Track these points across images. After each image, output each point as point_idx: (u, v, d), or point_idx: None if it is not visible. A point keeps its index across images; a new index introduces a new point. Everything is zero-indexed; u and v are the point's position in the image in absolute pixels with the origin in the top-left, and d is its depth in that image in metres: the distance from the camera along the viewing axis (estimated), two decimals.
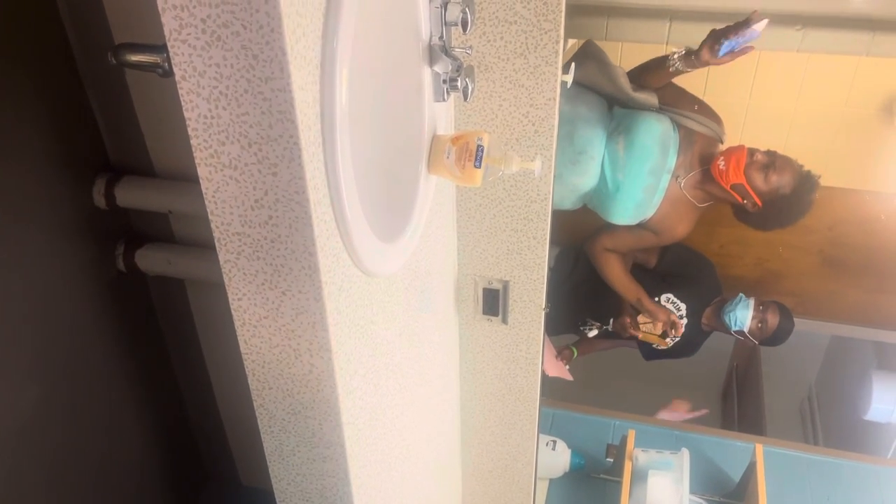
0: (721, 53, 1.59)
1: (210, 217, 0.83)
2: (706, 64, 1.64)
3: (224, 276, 0.87)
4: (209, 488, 2.92)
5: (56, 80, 1.95)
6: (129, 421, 2.42)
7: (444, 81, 1.05)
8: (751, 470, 2.00)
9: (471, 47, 1.20)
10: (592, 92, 1.86)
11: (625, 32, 1.95)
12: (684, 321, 2.04)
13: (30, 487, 2.05)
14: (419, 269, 1.22)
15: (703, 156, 1.84)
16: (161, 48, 0.78)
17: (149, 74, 0.95)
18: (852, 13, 1.79)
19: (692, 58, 1.65)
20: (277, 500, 1.11)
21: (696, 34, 1.65)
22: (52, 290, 2.02)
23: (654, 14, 1.91)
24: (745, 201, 1.81)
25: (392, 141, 1.00)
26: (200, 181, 0.80)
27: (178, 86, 0.74)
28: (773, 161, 1.77)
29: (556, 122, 1.27)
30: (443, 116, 1.15)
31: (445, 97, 1.07)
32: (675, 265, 2.09)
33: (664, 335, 2.02)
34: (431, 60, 1.04)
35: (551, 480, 2.14)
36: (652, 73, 1.78)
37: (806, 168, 1.79)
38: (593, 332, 2.12)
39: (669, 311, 2.01)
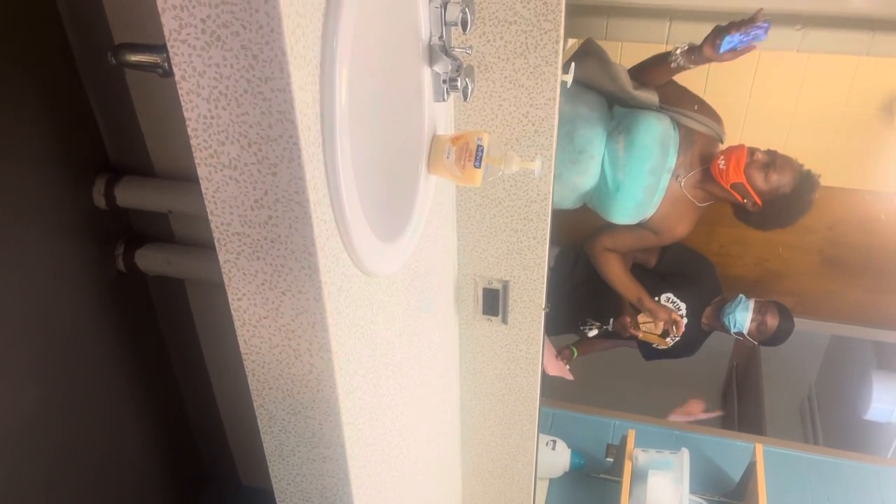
0: (722, 49, 1.58)
1: (210, 217, 0.83)
2: (708, 60, 1.63)
3: (224, 276, 0.87)
4: (209, 488, 2.92)
5: (56, 80, 1.95)
6: (129, 421, 2.42)
7: (444, 81, 1.05)
8: (751, 470, 2.00)
9: (471, 47, 1.20)
10: (593, 91, 1.86)
11: (625, 32, 1.95)
12: (684, 321, 2.04)
13: (30, 487, 2.05)
14: (419, 269, 1.22)
15: (703, 155, 1.84)
16: (161, 48, 0.78)
17: (149, 74, 0.95)
18: (852, 13, 1.79)
19: (694, 54, 1.64)
20: (277, 500, 1.11)
21: (696, 34, 1.65)
22: (52, 290, 2.02)
23: (654, 14, 1.91)
24: (745, 200, 1.81)
25: (392, 141, 1.00)
26: (200, 181, 0.80)
27: (178, 86, 0.74)
28: (773, 160, 1.77)
29: (555, 122, 1.27)
30: (443, 116, 1.15)
31: (445, 97, 1.07)
32: (674, 265, 2.09)
33: (665, 334, 2.02)
34: (431, 60, 1.04)
35: (551, 480, 2.14)
36: (654, 70, 1.77)
37: (806, 167, 1.79)
38: (593, 332, 2.12)
39: (671, 310, 2.01)
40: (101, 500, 2.33)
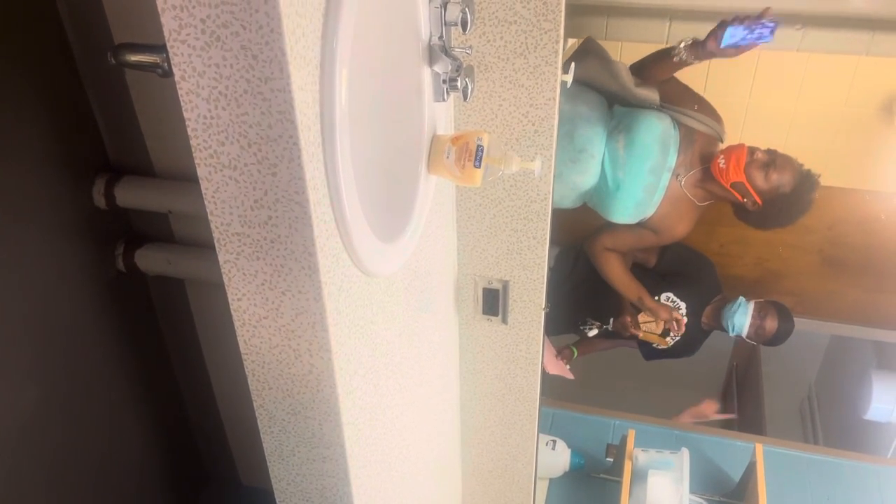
0: (724, 42, 1.57)
1: (210, 217, 0.83)
2: (711, 55, 1.62)
3: (224, 276, 0.87)
4: (209, 488, 2.92)
5: (56, 80, 1.95)
6: (129, 421, 2.42)
7: (444, 81, 1.05)
8: (751, 470, 2.00)
9: (471, 47, 1.20)
10: (593, 90, 1.86)
11: (625, 32, 1.96)
12: (685, 320, 2.04)
13: (30, 487, 2.05)
14: (419, 269, 1.22)
15: (703, 154, 1.84)
16: (161, 48, 0.78)
17: (149, 74, 0.95)
18: (852, 13, 1.80)
19: (698, 48, 1.63)
20: (277, 500, 1.11)
21: (696, 34, 1.65)
22: (52, 290, 2.02)
23: (654, 13, 1.91)
24: (745, 200, 1.81)
25: (392, 141, 1.00)
26: (200, 181, 0.80)
27: (178, 86, 0.74)
28: (773, 159, 1.77)
29: (555, 122, 1.27)
30: (443, 116, 1.15)
31: (445, 97, 1.07)
32: (674, 264, 2.09)
33: (665, 334, 2.02)
34: (431, 60, 1.04)
35: (551, 480, 2.14)
36: (656, 65, 1.77)
37: (806, 167, 1.79)
38: (593, 332, 2.12)
39: (671, 308, 2.01)
40: (101, 500, 2.33)
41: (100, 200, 2.10)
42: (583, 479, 2.13)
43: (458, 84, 1.04)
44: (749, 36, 1.54)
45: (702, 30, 1.63)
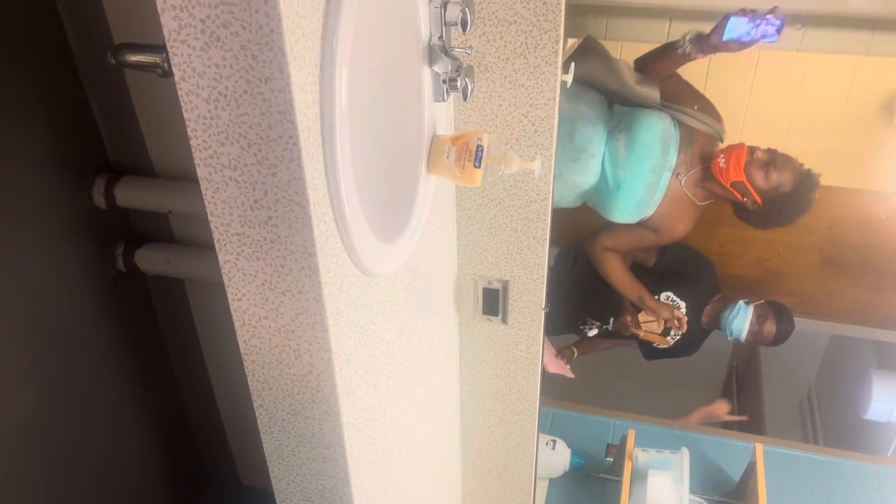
0: (726, 34, 1.56)
1: (210, 218, 0.83)
2: (715, 49, 1.62)
3: (224, 276, 0.87)
4: (209, 488, 2.92)
5: (56, 80, 1.95)
6: (129, 421, 2.42)
7: (444, 81, 1.05)
8: (751, 469, 2.00)
9: (471, 47, 1.20)
10: (593, 89, 1.86)
11: (624, 32, 1.95)
12: (686, 318, 2.04)
13: (30, 487, 2.05)
14: (419, 269, 1.22)
15: (703, 153, 1.84)
16: (160, 48, 0.78)
17: (149, 74, 0.95)
18: (852, 13, 1.80)
19: (702, 41, 1.63)
20: (277, 500, 1.11)
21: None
22: (52, 290, 2.02)
23: (654, 13, 1.91)
24: (745, 199, 1.81)
25: (392, 141, 1.00)
26: (200, 182, 0.80)
27: (178, 86, 0.74)
28: (773, 159, 1.77)
29: (555, 122, 1.27)
30: (443, 116, 1.15)
31: (445, 97, 1.07)
32: (674, 263, 2.09)
33: (666, 332, 2.02)
34: (431, 60, 1.04)
35: (551, 480, 2.14)
36: (660, 59, 1.77)
37: (806, 167, 1.79)
38: (593, 332, 2.12)
39: (672, 307, 2.01)
40: (101, 500, 2.33)
41: (100, 200, 2.10)
42: (583, 478, 2.13)
43: (458, 84, 1.04)
44: (753, 31, 1.54)
45: (702, 30, 1.63)
